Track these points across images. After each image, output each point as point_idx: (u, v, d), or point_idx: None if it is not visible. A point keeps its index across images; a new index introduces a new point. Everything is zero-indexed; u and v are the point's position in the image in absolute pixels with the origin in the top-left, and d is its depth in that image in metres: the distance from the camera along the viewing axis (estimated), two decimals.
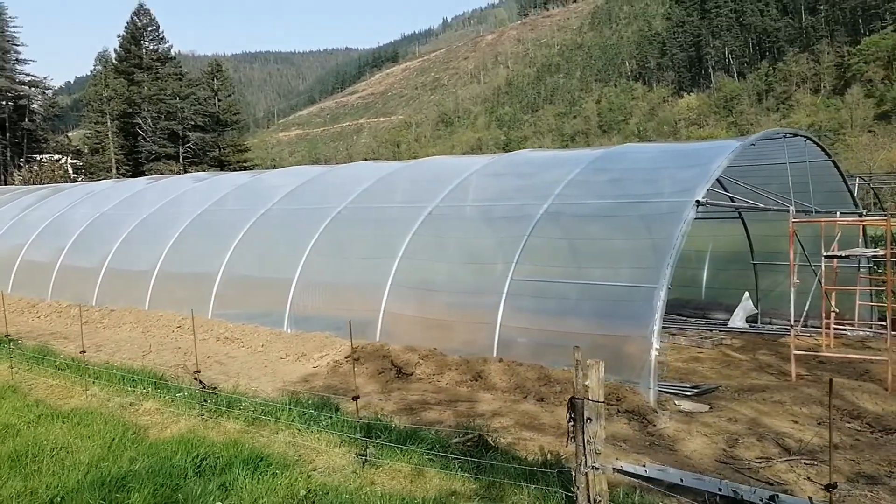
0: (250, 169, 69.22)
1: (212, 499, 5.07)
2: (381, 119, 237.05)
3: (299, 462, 6.07)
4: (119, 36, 79.47)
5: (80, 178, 66.04)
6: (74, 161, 73.07)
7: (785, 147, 10.78)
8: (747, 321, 14.31)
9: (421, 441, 6.14)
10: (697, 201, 8.52)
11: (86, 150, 74.65)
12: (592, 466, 4.48)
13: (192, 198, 15.80)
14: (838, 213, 11.54)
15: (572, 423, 4.57)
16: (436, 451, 5.94)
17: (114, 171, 70.41)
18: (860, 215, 12.65)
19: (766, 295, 14.54)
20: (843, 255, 9.72)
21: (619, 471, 6.28)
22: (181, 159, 74.55)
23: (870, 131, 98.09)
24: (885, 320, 13.61)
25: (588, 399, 4.49)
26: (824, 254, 9.70)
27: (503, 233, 10.14)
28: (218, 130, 79.95)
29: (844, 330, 12.64)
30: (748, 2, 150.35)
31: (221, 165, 75.46)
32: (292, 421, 6.82)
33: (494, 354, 9.23)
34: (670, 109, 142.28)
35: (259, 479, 5.48)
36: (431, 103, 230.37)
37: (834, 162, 12.04)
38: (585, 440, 4.50)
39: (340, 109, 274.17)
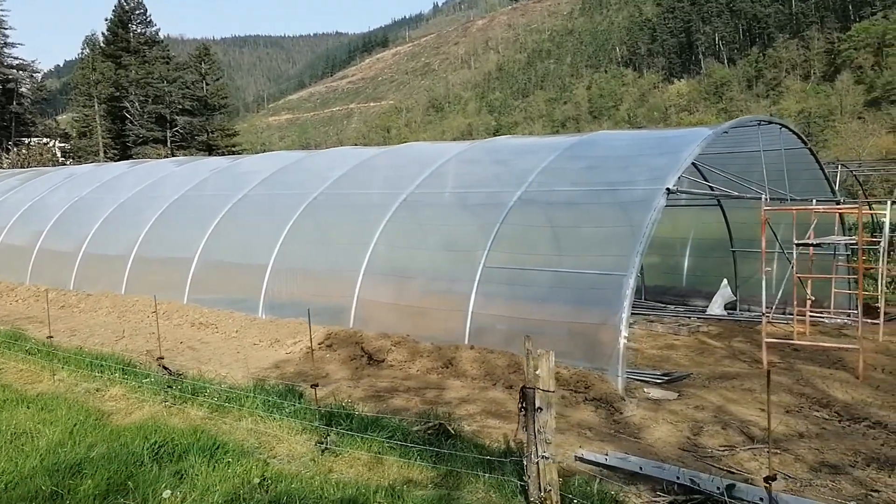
0: (239, 154, 68.72)
1: (163, 486, 5.02)
2: (372, 104, 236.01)
3: (259, 449, 6.04)
4: (107, 19, 78.68)
5: (68, 162, 65.59)
6: (63, 144, 72.57)
7: (759, 135, 10.75)
8: (726, 308, 14.34)
9: (382, 429, 6.11)
10: (668, 189, 8.49)
11: (74, 134, 74.07)
12: (542, 456, 4.46)
13: (171, 182, 15.67)
14: (814, 200, 11.54)
15: (523, 413, 4.54)
16: (397, 439, 5.92)
17: (101, 154, 69.84)
18: (837, 203, 12.66)
19: (744, 282, 14.57)
20: (814, 242, 9.72)
21: (581, 459, 6.31)
22: (169, 143, 74.04)
23: (860, 118, 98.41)
24: (868, 307, 13.71)
25: (539, 388, 4.46)
26: (796, 241, 9.70)
27: (477, 220, 10.09)
28: (206, 115, 79.31)
29: (822, 317, 12.67)
30: None
31: (210, 150, 75.02)
32: (255, 408, 6.78)
33: (466, 342, 9.20)
34: (660, 95, 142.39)
35: (215, 466, 5.45)
36: (422, 88, 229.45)
37: (810, 149, 12.02)
38: (536, 430, 4.48)
39: (331, 94, 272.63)
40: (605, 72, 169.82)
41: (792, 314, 12.47)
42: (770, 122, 10.95)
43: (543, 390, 4.47)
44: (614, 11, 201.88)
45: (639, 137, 11.67)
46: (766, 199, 10.30)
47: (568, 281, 8.84)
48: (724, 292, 14.41)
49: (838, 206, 10.91)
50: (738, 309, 14.38)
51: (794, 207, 9.99)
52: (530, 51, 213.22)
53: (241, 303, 11.74)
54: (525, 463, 4.57)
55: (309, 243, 11.67)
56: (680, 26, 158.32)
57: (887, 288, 17.20)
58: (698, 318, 13.77)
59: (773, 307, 11.06)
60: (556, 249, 9.32)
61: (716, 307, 14.30)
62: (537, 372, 4.50)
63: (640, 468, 5.88)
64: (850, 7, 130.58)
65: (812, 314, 12.10)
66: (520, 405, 4.55)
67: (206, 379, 8.05)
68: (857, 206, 9.71)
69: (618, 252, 8.38)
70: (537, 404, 4.49)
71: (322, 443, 5.75)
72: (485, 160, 11.85)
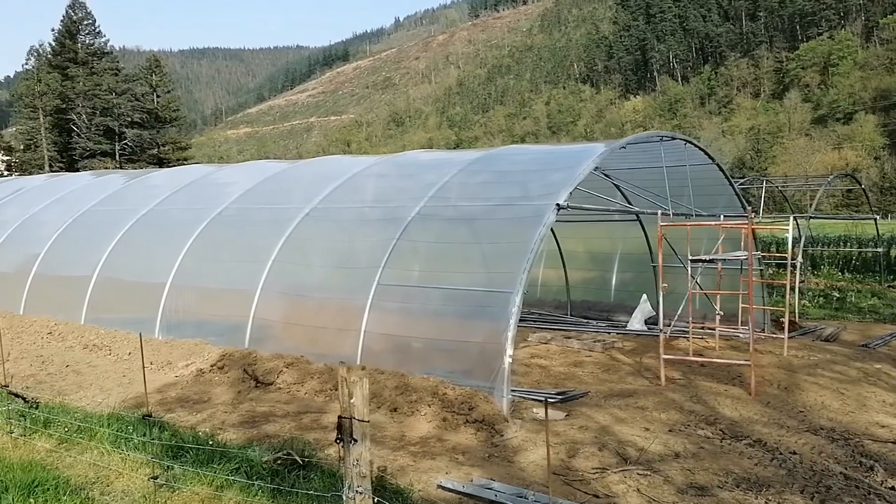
0: None
1: None
2: (332, 118, 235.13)
3: (95, 484, 5.65)
4: (53, 30, 76.95)
5: (13, 175, 63.86)
6: (7, 158, 70.77)
7: (661, 150, 10.72)
8: (646, 323, 14.27)
9: (230, 460, 5.78)
10: (558, 205, 8.33)
11: (20, 147, 72.14)
12: (357, 491, 4.19)
13: (78, 196, 15.11)
14: (721, 216, 11.55)
15: (341, 444, 4.26)
16: (242, 472, 5.59)
17: (47, 167, 68.12)
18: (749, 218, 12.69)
19: (665, 297, 14.51)
20: (707, 258, 9.69)
21: (442, 487, 6.05)
22: (118, 156, 72.53)
23: (807, 135, 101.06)
24: (778, 322, 13.79)
25: (354, 418, 4.19)
26: (690, 257, 9.65)
27: (375, 235, 9.82)
28: (157, 127, 77.96)
29: (738, 332, 12.62)
30: (691, 7, 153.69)
31: (161, 163, 73.65)
32: (104, 439, 6.38)
33: (358, 362, 8.90)
34: (617, 111, 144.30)
35: None
36: (382, 102, 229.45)
37: (719, 165, 12.05)
38: (352, 462, 4.20)
39: (290, 108, 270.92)
40: (564, 88, 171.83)
41: (711, 329, 12.46)
42: (673, 138, 10.90)
43: (359, 420, 4.20)
44: (572, 28, 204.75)
45: (540, 153, 11.56)
46: (661, 216, 10.24)
47: (459, 298, 8.63)
48: (644, 307, 14.35)
49: (722, 221, 10.88)
50: (658, 323, 14.30)
51: (687, 223, 9.94)
52: (490, 66, 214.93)
53: (139, 323, 11.23)
54: (344, 498, 4.29)
55: (209, 260, 11.28)
56: (635, 44, 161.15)
57: (809, 301, 17.43)
58: (618, 333, 13.68)
59: (674, 321, 10.99)
60: (449, 265, 9.11)
61: (636, 322, 14.23)
62: (352, 400, 4.22)
63: (496, 496, 5.64)
64: (798, 27, 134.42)
65: (724, 330, 12.08)
66: (337, 436, 4.27)
67: (68, 407, 7.61)
68: (745, 220, 9.67)
69: (506, 268, 8.18)
70: (353, 435, 4.21)
71: (156, 477, 5.39)
72: (392, 174, 11.62)
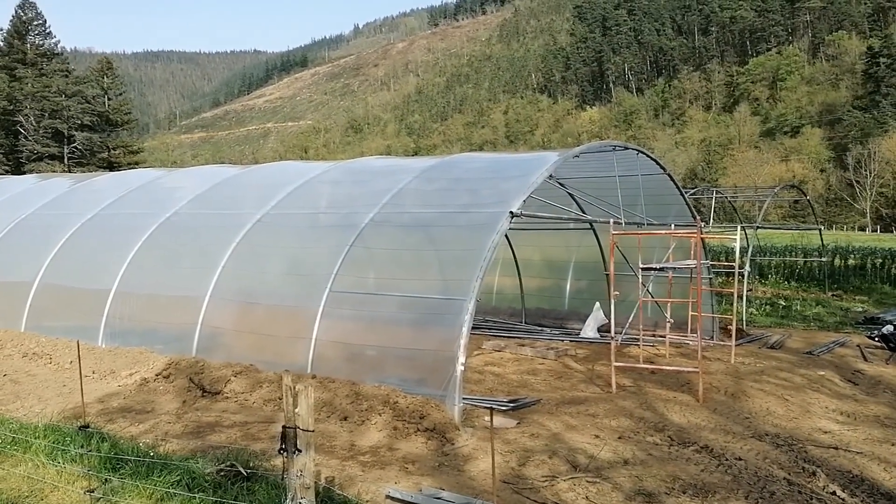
0: None
1: None
2: (290, 124, 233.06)
3: (30, 498, 5.43)
4: (1, 30, 74.75)
5: None
6: None
7: (615, 159, 10.84)
8: (599, 331, 14.39)
9: (171, 472, 5.61)
10: (511, 212, 8.34)
11: None
12: (300, 502, 4.10)
13: (21, 200, 14.64)
14: (672, 225, 11.73)
15: (284, 454, 4.17)
16: (184, 484, 5.43)
17: None
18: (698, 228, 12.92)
19: (617, 305, 14.67)
20: (657, 266, 9.83)
21: (390, 497, 5.97)
22: (66, 160, 70.67)
23: (756, 147, 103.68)
24: (726, 329, 14.05)
25: (299, 428, 4.10)
26: (641, 266, 9.78)
27: (327, 242, 9.72)
28: (108, 130, 76.17)
29: (688, 339, 12.82)
30: (646, 21, 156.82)
31: (111, 167, 71.92)
32: (39, 451, 6.14)
33: (309, 370, 8.77)
34: (574, 122, 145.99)
35: None
36: (341, 109, 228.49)
37: (670, 175, 12.23)
38: (295, 473, 4.11)
39: (247, 113, 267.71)
40: (522, 97, 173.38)
41: (662, 336, 12.62)
42: (626, 148, 11.04)
43: (303, 430, 4.11)
44: (530, 39, 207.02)
45: (497, 161, 11.60)
46: (623, 223, 10.36)
47: (412, 305, 8.57)
48: (598, 315, 14.47)
49: (673, 230, 11.07)
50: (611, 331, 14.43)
51: (639, 232, 10.07)
52: (449, 75, 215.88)
53: (82, 331, 10.89)
54: None
55: (156, 266, 11.00)
56: (592, 56, 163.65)
57: (756, 310, 17.82)
58: (571, 341, 13.76)
59: (626, 329, 11.12)
60: (403, 272, 9.05)
61: (589, 330, 14.34)
62: (297, 410, 4.14)
63: None
64: (748, 43, 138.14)
65: (675, 337, 12.26)
66: (280, 447, 4.18)
67: (2, 418, 7.32)
68: (695, 230, 9.84)
69: (459, 276, 8.16)
70: (297, 445, 4.12)
71: (92, 490, 5.20)
72: (346, 181, 11.51)
